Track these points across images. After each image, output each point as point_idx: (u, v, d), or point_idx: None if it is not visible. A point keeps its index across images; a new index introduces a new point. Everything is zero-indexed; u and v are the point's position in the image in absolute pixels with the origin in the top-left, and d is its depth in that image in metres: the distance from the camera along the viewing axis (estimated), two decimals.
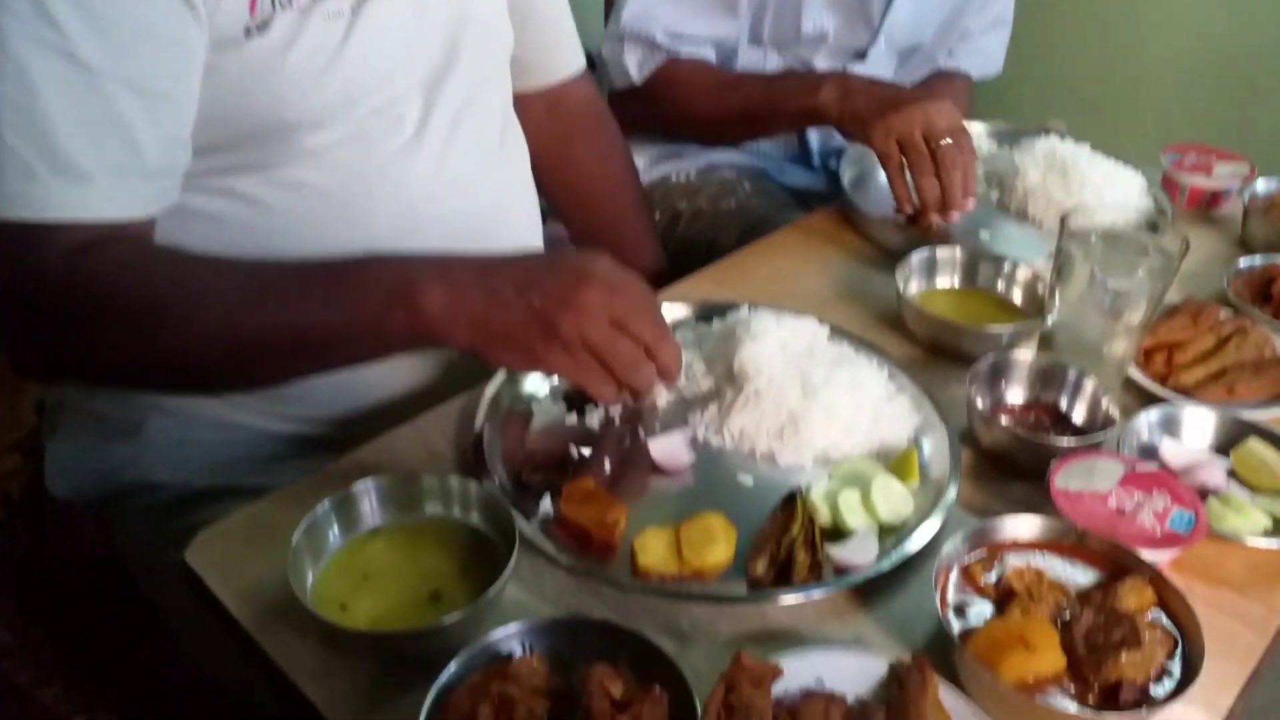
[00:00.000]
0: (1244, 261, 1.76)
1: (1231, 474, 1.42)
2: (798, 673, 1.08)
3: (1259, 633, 1.21)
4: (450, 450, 1.44)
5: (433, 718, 1.00)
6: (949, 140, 1.58)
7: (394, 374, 1.59)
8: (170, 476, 1.45)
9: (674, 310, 1.69)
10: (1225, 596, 1.25)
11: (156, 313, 1.14)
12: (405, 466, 1.34)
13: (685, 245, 2.06)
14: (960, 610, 1.15)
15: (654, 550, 1.27)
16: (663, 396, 1.51)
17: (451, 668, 1.05)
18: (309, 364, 1.29)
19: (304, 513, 1.18)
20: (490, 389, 1.50)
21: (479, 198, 1.57)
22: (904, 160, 1.62)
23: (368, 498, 1.24)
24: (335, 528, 1.22)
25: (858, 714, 1.05)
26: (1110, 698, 1.05)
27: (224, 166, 1.22)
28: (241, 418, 1.54)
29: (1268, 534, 1.32)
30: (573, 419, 1.49)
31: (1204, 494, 1.35)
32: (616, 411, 1.48)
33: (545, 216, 1.82)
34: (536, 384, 1.55)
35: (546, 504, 1.35)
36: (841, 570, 1.24)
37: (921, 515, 1.32)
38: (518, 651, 1.09)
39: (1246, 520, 1.32)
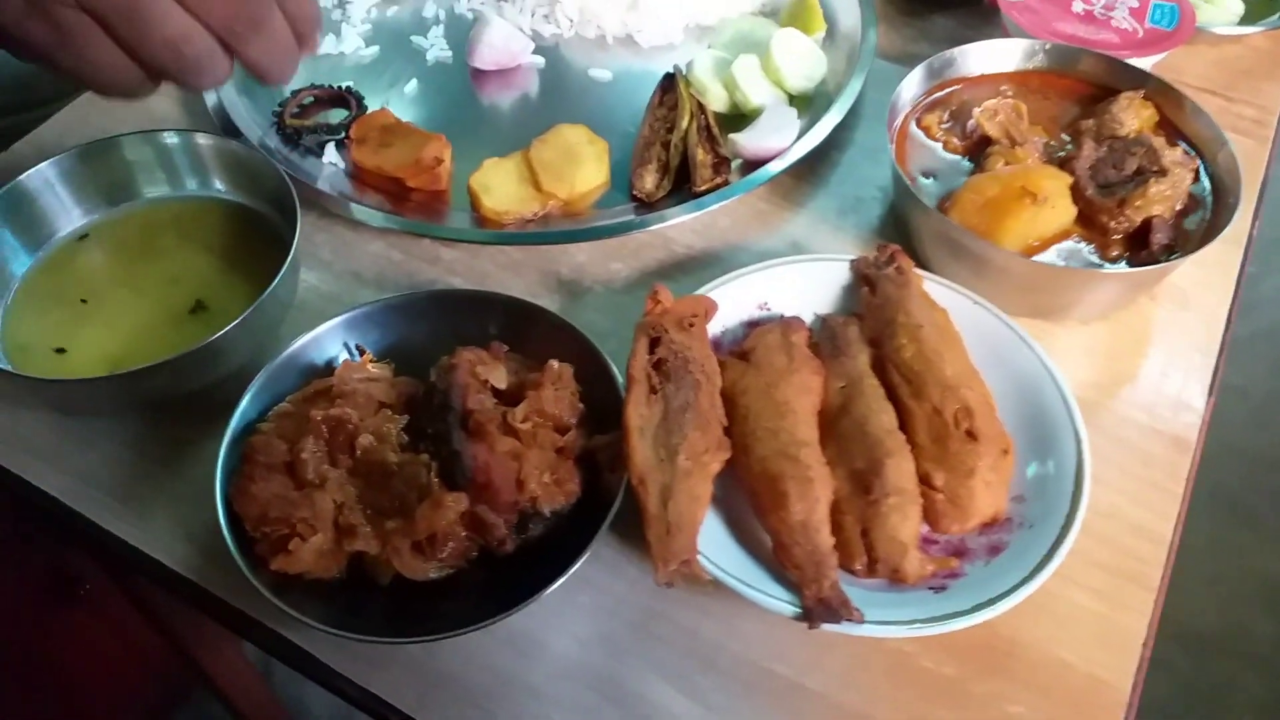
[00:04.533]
0: None
1: None
2: (734, 302, 0.79)
3: (1258, 140, 0.98)
4: (174, 106, 0.99)
5: (233, 473, 0.67)
6: None
7: None
8: None
9: None
10: (1209, 103, 1.00)
11: None
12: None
13: None
14: (927, 176, 0.86)
15: (501, 187, 0.91)
16: None
17: (246, 399, 0.70)
18: None
19: None
20: None
21: None
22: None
23: (51, 190, 0.81)
24: (11, 242, 0.79)
25: (825, 336, 0.77)
26: (1137, 246, 0.80)
27: None
28: None
29: (1243, 21, 1.07)
30: (329, 43, 1.05)
31: None
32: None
33: None
34: None
35: (332, 155, 0.95)
36: (755, 162, 0.92)
37: (838, 75, 1.00)
38: (341, 357, 0.75)
39: (1220, 8, 1.06)
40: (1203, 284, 0.86)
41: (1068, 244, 0.81)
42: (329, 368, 0.74)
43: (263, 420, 0.70)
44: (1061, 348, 0.81)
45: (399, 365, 0.75)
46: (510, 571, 0.66)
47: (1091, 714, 0.64)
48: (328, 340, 0.75)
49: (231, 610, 0.68)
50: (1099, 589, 0.69)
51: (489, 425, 0.67)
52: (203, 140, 0.84)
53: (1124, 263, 0.79)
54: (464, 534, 0.65)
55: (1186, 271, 0.85)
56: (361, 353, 0.75)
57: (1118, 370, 0.81)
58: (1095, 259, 0.80)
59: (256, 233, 0.84)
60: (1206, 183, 0.83)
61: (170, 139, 0.83)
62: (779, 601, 0.63)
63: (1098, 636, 0.67)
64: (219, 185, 0.85)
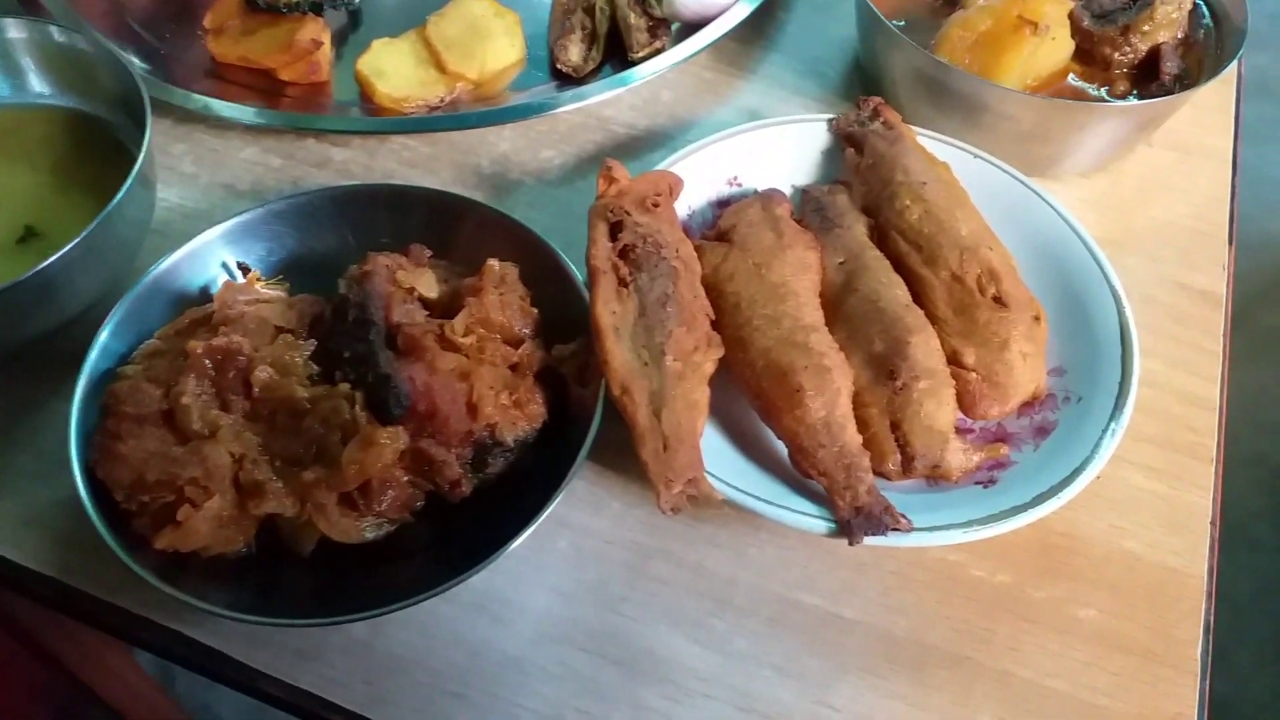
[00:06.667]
0: None
1: None
2: (700, 178, 0.66)
3: None
4: None
5: (93, 433, 0.51)
6: None
7: None
8: None
9: None
10: None
11: None
12: None
13: None
14: (895, 23, 0.75)
15: (397, 71, 0.76)
16: None
17: (103, 335, 0.54)
18: None
19: None
20: None
21: None
22: None
23: None
24: None
25: (810, 209, 0.65)
26: (1144, 79, 0.71)
27: None
28: None
29: None
30: None
31: None
32: None
33: None
34: None
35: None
36: (694, 25, 0.79)
37: None
38: (221, 280, 0.59)
39: None
40: (1201, 125, 0.77)
41: (1065, 84, 0.71)
42: (206, 295, 0.59)
43: (127, 364, 0.55)
44: (1062, 202, 0.71)
45: (295, 284, 0.60)
46: (467, 521, 0.53)
47: (1169, 606, 0.55)
48: (201, 260, 0.59)
49: (109, 609, 0.53)
50: (1155, 466, 0.60)
51: (424, 339, 0.53)
52: (14, 30, 0.66)
53: (1133, 97, 0.70)
54: (405, 478, 0.51)
55: (1182, 115, 0.76)
56: (245, 271, 0.60)
57: (1128, 224, 0.71)
58: (1101, 97, 0.70)
59: (96, 143, 0.67)
60: (1204, 9, 0.74)
61: None
62: (808, 518, 0.51)
63: (1162, 519, 0.58)
64: (39, 87, 0.67)
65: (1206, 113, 0.78)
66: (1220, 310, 0.67)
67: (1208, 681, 0.52)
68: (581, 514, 0.56)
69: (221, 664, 0.51)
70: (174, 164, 0.72)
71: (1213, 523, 0.58)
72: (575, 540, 0.55)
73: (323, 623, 0.50)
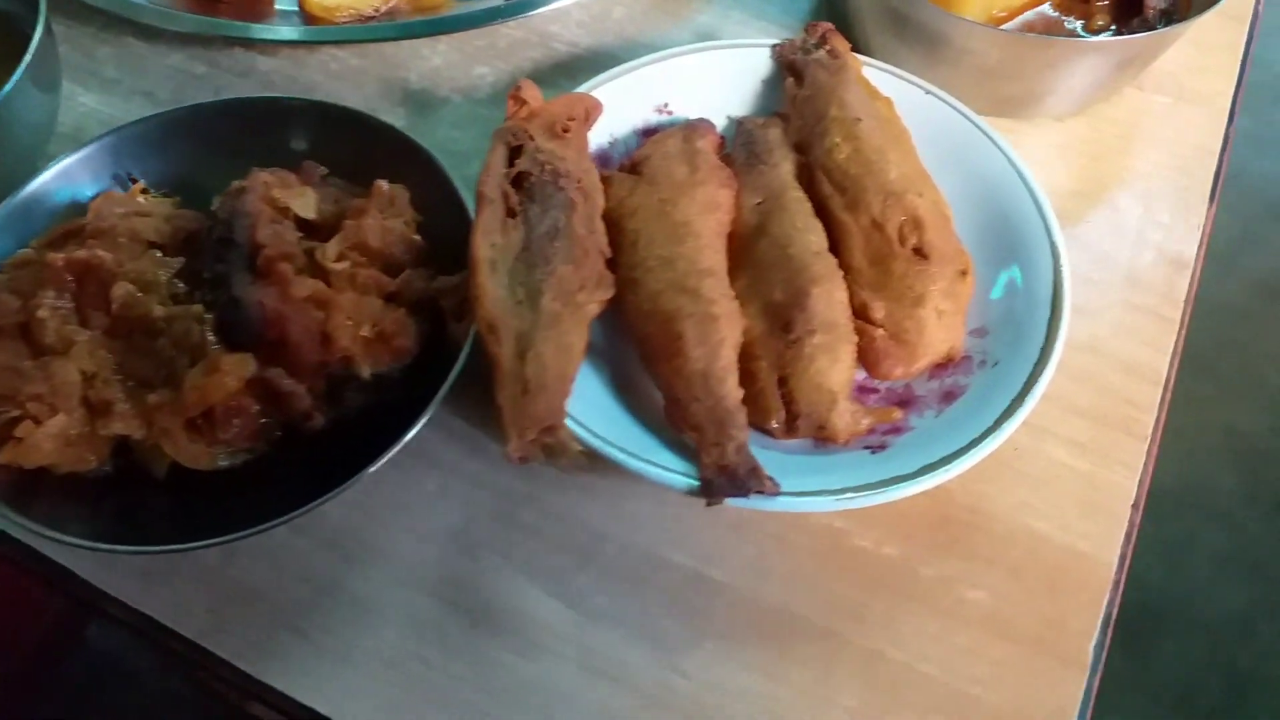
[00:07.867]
0: None
1: None
2: (626, 104, 0.62)
3: None
4: None
5: None
6: None
7: None
8: None
9: None
10: None
11: None
12: None
13: None
14: None
15: None
16: None
17: None
18: None
19: None
20: None
21: None
22: None
23: None
24: None
25: (740, 142, 0.60)
26: (1125, 13, 0.64)
27: None
28: None
29: None
30: None
31: None
32: None
33: None
34: None
35: None
36: None
37: None
38: (100, 187, 0.57)
39: None
40: (1200, 69, 0.70)
41: (1037, 15, 0.64)
42: (84, 204, 0.57)
43: None
44: (1031, 147, 0.66)
45: (189, 200, 0.58)
46: (329, 453, 0.51)
47: (1070, 595, 0.50)
48: (89, 170, 0.58)
49: None
50: (1081, 441, 0.55)
51: (282, 263, 0.50)
52: None
53: (1111, 33, 0.63)
54: (256, 407, 0.49)
55: (1181, 56, 0.69)
56: (130, 180, 0.57)
57: (1101, 174, 0.65)
58: (1076, 31, 0.63)
59: (6, 41, 0.65)
60: None
61: None
62: (669, 473, 0.48)
63: (1079, 500, 0.53)
64: None
65: (1210, 52, 0.71)
66: (1186, 274, 0.61)
67: (1097, 677, 0.49)
68: (455, 455, 0.54)
69: (70, 582, 0.51)
70: (97, 69, 0.69)
71: (1134, 506, 0.53)
72: (445, 481, 0.53)
73: (163, 550, 0.49)
